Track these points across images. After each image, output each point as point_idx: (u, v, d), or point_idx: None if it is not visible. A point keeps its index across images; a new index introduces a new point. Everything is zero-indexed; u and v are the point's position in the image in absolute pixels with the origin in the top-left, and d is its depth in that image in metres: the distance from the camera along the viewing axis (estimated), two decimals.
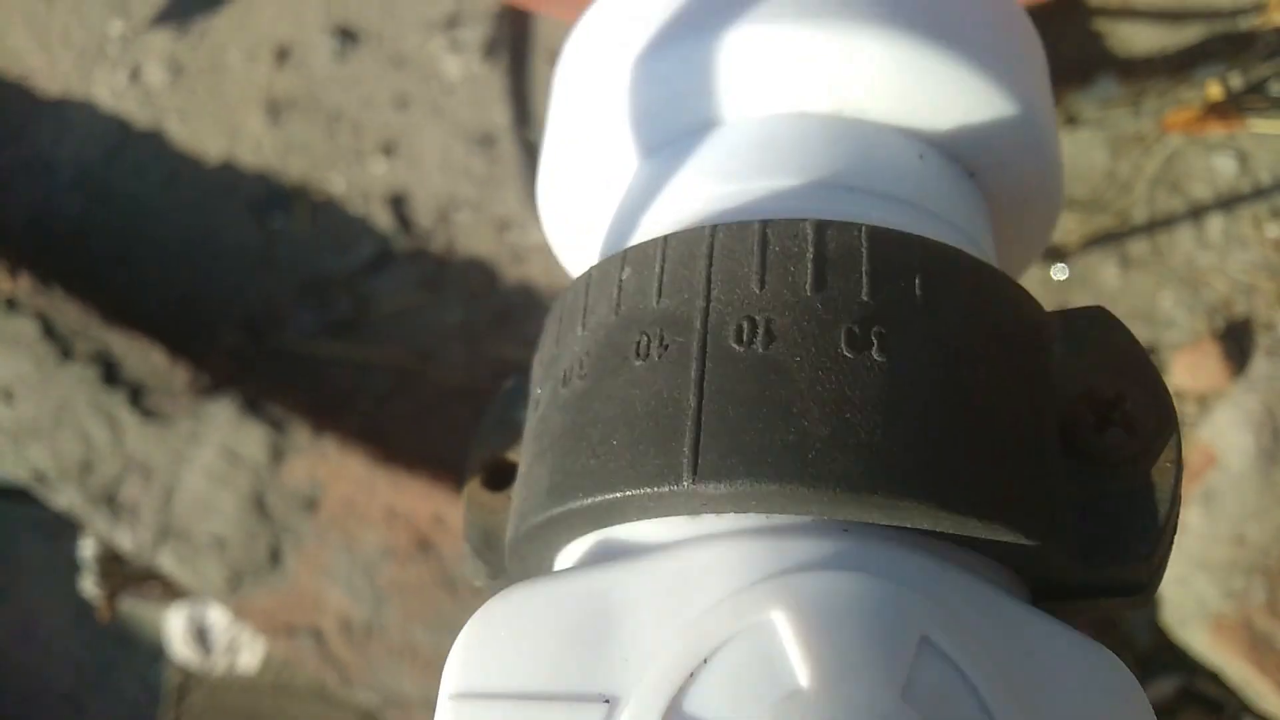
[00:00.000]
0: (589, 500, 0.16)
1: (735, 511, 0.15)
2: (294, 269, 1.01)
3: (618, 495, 0.16)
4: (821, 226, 0.16)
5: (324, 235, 1.01)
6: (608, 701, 0.13)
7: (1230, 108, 0.83)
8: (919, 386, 0.15)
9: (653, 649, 0.14)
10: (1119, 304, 0.85)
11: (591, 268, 0.19)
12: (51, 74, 1.12)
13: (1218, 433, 0.77)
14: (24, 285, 0.94)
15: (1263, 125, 0.82)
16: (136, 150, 1.08)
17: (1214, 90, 0.84)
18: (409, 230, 0.99)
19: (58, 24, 1.13)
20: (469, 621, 0.15)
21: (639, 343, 0.16)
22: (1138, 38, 0.86)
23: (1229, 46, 0.84)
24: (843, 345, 0.15)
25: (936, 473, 0.15)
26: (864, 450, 0.15)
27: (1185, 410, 0.82)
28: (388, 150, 1.01)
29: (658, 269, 0.17)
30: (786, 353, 0.15)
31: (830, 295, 0.16)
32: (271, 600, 0.86)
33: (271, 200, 1.03)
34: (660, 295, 0.17)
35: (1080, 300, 0.86)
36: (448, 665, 0.15)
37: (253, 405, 0.88)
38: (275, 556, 0.86)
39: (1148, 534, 0.16)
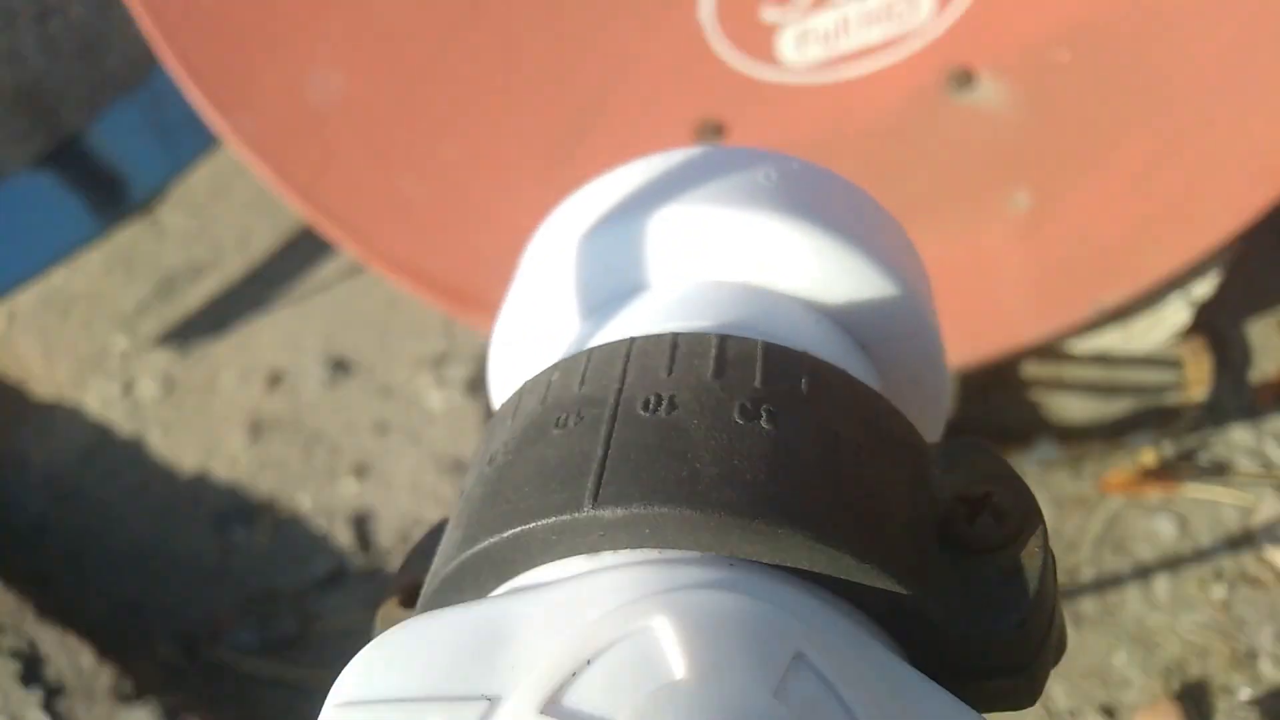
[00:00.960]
0: (495, 539, 0.19)
1: (630, 547, 0.18)
2: (244, 583, 1.10)
3: (521, 529, 0.18)
4: (724, 338, 0.21)
5: (281, 551, 1.12)
6: (489, 700, 0.15)
7: (1165, 473, 0.97)
8: (802, 453, 0.19)
9: (539, 656, 0.16)
10: (1074, 662, 0.92)
11: (526, 380, 0.23)
12: (48, 380, 1.29)
13: None
14: None
15: (1196, 490, 0.96)
16: (112, 457, 1.22)
17: (1148, 457, 0.98)
18: (367, 549, 1.09)
19: (66, 336, 1.32)
20: (365, 646, 0.17)
21: (559, 418, 0.20)
22: (1072, 407, 1.03)
23: (1158, 418, 1.00)
24: (735, 414, 0.19)
25: (816, 510, 0.18)
26: (749, 487, 0.18)
27: None
28: (360, 472, 1.15)
29: (581, 368, 0.22)
30: (685, 418, 0.19)
31: (728, 381, 0.20)
32: None
33: (236, 514, 1.15)
34: (582, 384, 0.21)
35: None
36: (337, 682, 0.17)
37: (172, 715, 0.93)
38: None
39: (1019, 605, 0.19)
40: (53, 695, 0.94)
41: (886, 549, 0.18)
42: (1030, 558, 0.19)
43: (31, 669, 0.96)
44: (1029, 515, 0.20)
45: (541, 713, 0.15)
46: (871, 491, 0.19)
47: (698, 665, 0.15)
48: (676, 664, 0.15)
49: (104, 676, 0.95)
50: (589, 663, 0.15)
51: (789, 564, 0.18)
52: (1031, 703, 0.20)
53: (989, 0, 0.67)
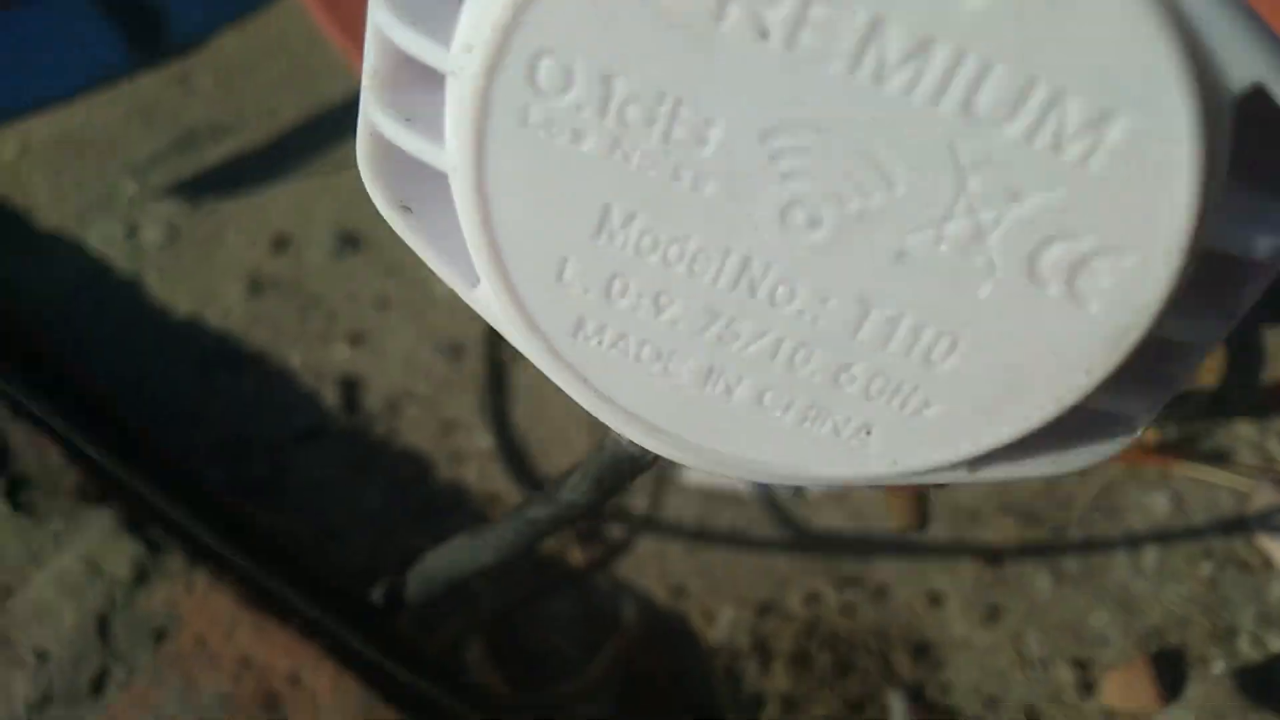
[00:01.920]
0: None
1: None
2: (222, 425, 1.09)
3: None
4: None
5: (264, 400, 1.11)
6: None
7: (1166, 451, 0.98)
8: None
9: None
10: (1051, 615, 0.92)
11: None
12: (52, 212, 1.28)
13: None
14: None
15: (1195, 471, 0.97)
16: (106, 293, 1.21)
17: (1150, 435, 0.99)
18: (352, 412, 1.08)
19: (77, 174, 1.32)
20: None
21: None
22: None
23: None
24: None
25: None
26: None
27: None
28: (355, 340, 1.14)
29: None
30: None
31: None
32: None
33: (222, 361, 1.14)
34: None
35: (1013, 605, 0.94)
36: None
37: (134, 522, 0.92)
38: (98, 686, 0.84)
39: None
40: (16, 485, 0.92)
41: None
42: None
43: None
44: None
45: None
46: None
47: None
48: None
49: (70, 476, 0.93)
50: None
51: None
52: None
53: None
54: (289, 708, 0.83)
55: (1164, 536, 0.95)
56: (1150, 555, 0.94)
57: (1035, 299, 0.13)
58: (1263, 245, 0.14)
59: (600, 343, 0.16)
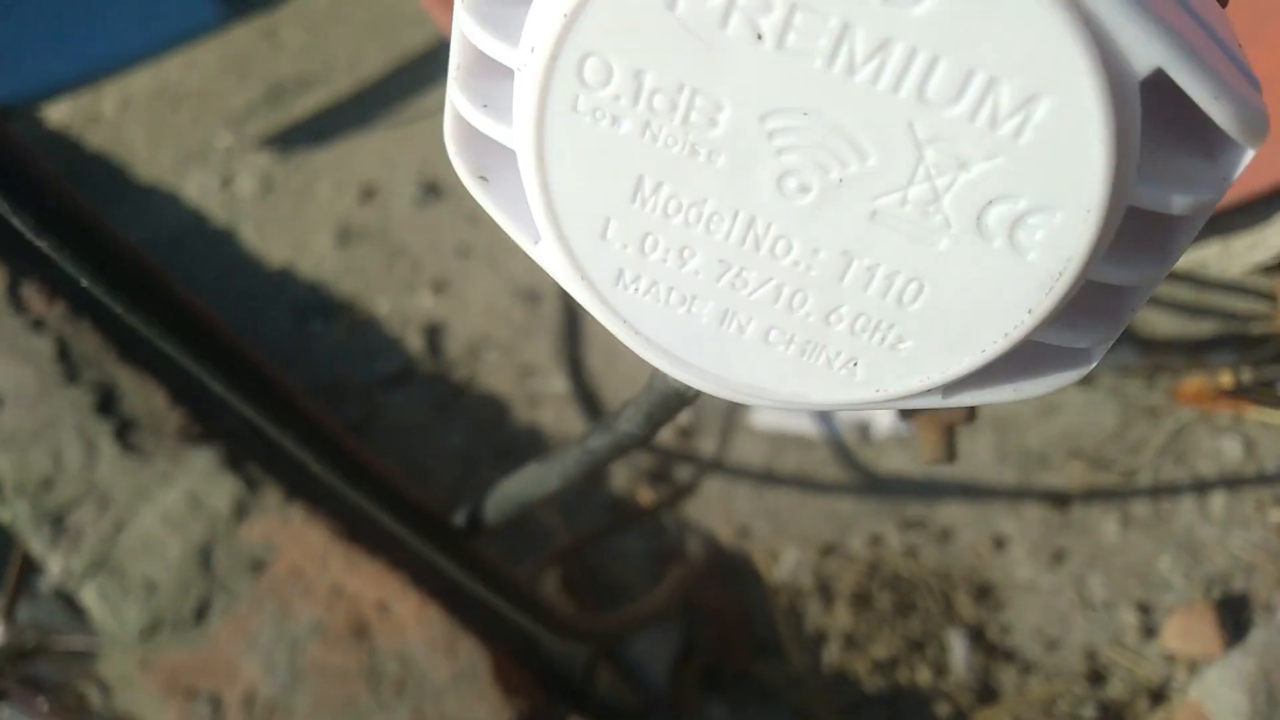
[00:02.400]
0: None
1: None
2: (317, 370, 1.16)
3: None
4: None
5: (355, 347, 1.17)
6: None
7: (1239, 395, 0.98)
8: None
9: None
10: (1116, 559, 0.94)
11: None
12: (151, 164, 1.36)
13: (1208, 693, 0.83)
14: (56, 311, 1.10)
15: (1269, 415, 0.97)
16: (204, 242, 1.28)
17: (1226, 378, 0.99)
18: (436, 356, 1.14)
19: (174, 127, 1.39)
20: None
21: None
22: (1159, 321, 1.04)
23: (1241, 343, 1.01)
24: None
25: None
26: None
27: (1175, 675, 0.88)
28: (438, 288, 1.20)
29: None
30: None
31: None
32: (182, 658, 0.90)
33: (315, 308, 1.21)
34: None
35: (1078, 549, 0.95)
36: None
37: (233, 460, 0.99)
38: (202, 613, 0.91)
39: None
40: (125, 427, 1.00)
41: None
42: None
43: (107, 402, 1.02)
44: None
45: None
46: None
47: None
48: None
49: (174, 418, 1.00)
50: None
51: None
52: None
53: None
54: (377, 633, 0.89)
55: (1233, 482, 0.95)
56: (1218, 500, 0.95)
57: (984, 250, 0.17)
58: (1179, 203, 0.16)
59: (637, 289, 0.20)
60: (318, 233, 1.25)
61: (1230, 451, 0.96)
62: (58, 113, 1.41)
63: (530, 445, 1.07)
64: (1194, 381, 0.98)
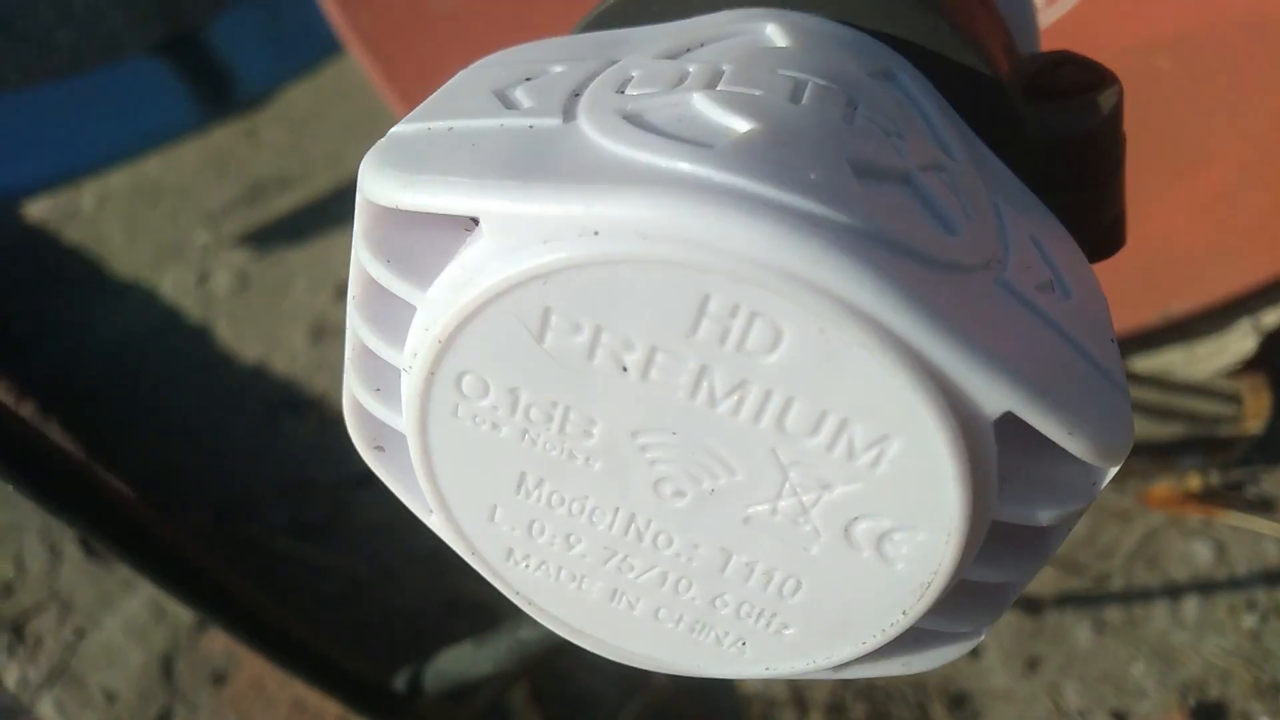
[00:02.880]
0: None
1: (754, 4, 0.19)
2: (286, 467, 1.15)
3: None
4: None
5: (325, 444, 1.17)
6: (611, 60, 0.18)
7: (1209, 499, 0.98)
8: None
9: (659, 37, 0.18)
10: (1090, 666, 0.94)
11: None
12: (128, 260, 1.36)
13: None
14: (25, 410, 1.10)
15: (1239, 519, 0.97)
16: (178, 339, 1.29)
17: (1194, 481, 0.99)
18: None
19: (151, 223, 1.40)
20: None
21: None
22: None
23: (1209, 446, 1.01)
24: None
25: None
26: None
27: None
28: None
29: None
30: None
31: None
32: None
33: (286, 405, 1.21)
34: None
35: (1052, 655, 0.95)
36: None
37: None
38: None
39: (1090, 118, 0.21)
40: None
41: (981, 37, 0.20)
42: (1106, 99, 0.22)
43: None
44: (1107, 76, 0.22)
45: (656, 57, 0.17)
46: (972, 14, 0.21)
47: (802, 44, 0.18)
48: (782, 41, 0.18)
49: None
50: (703, 44, 0.18)
51: (893, 31, 0.19)
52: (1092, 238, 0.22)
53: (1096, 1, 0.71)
54: None
55: (1205, 586, 0.95)
56: (1191, 606, 0.94)
57: (853, 558, 0.17)
58: (1045, 516, 0.17)
59: (527, 566, 0.20)
60: (292, 330, 1.26)
61: (1201, 555, 0.97)
62: (36, 207, 1.42)
63: None
64: (1163, 486, 0.98)
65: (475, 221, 0.17)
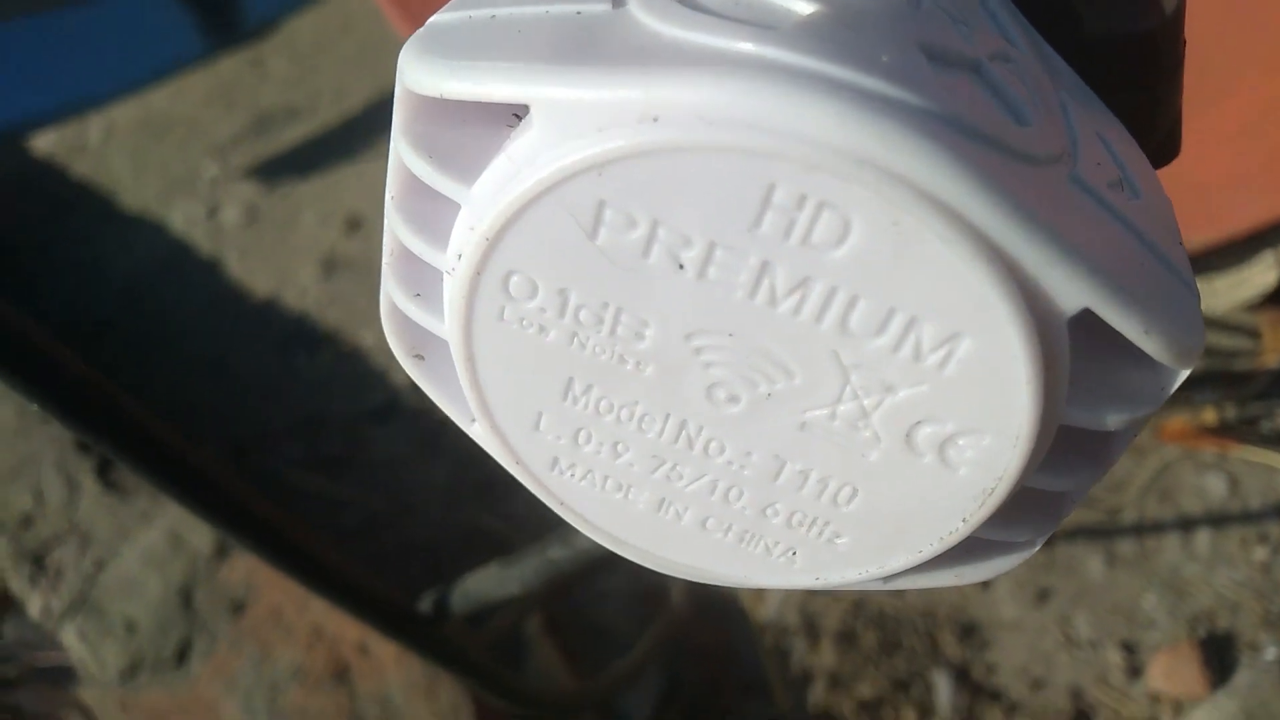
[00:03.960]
0: None
1: None
2: (299, 403, 1.15)
3: None
4: None
5: (339, 379, 1.17)
6: None
7: (1224, 432, 0.98)
8: None
9: None
10: (1101, 598, 0.94)
11: None
12: (136, 194, 1.35)
13: None
14: None
15: (1253, 454, 0.97)
16: (188, 272, 1.28)
17: (1210, 415, 0.99)
18: (420, 390, 1.14)
19: (159, 156, 1.38)
20: None
21: None
22: None
23: (1226, 380, 1.01)
24: None
25: None
26: None
27: (1160, 715, 0.88)
28: None
29: None
30: None
31: None
32: (162, 699, 0.90)
33: (300, 340, 1.20)
34: None
35: (1063, 587, 0.95)
36: None
37: None
38: (183, 654, 0.91)
39: (1155, 15, 0.20)
40: (106, 464, 1.00)
41: None
42: None
43: None
44: None
45: None
46: None
47: None
48: None
49: None
50: None
51: None
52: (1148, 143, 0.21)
53: None
54: (358, 675, 0.89)
55: (1218, 520, 0.95)
56: (1203, 538, 0.94)
57: (914, 464, 0.16)
58: (1113, 421, 0.16)
59: (573, 476, 0.19)
60: (303, 264, 1.25)
61: (1215, 489, 0.96)
62: (43, 142, 1.40)
63: (513, 483, 1.06)
64: (1178, 420, 0.98)
65: (521, 114, 0.16)
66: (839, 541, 0.18)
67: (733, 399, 0.17)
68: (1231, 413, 0.99)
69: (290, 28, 1.45)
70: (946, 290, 0.14)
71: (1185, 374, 0.16)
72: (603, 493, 0.19)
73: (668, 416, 0.17)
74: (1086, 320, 0.15)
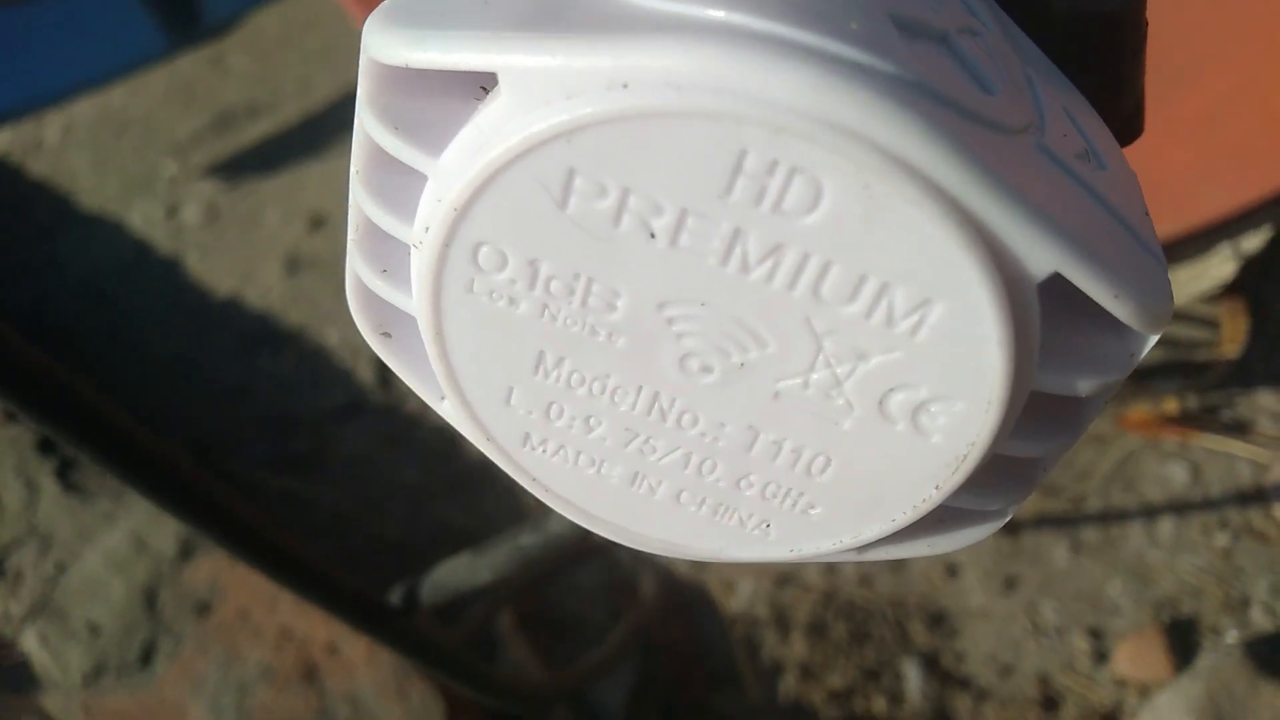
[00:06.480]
0: None
1: None
2: (266, 402, 1.14)
3: None
4: None
5: (304, 378, 1.15)
6: None
7: (1185, 422, 0.99)
8: None
9: None
10: (1067, 585, 0.95)
11: None
12: (95, 193, 1.33)
13: (1159, 718, 0.84)
14: None
15: (1214, 442, 0.98)
16: (148, 273, 1.26)
17: (1171, 405, 1.00)
18: (387, 387, 1.13)
19: (118, 154, 1.36)
20: None
21: None
22: None
23: (1186, 370, 1.02)
24: None
25: None
26: None
27: (1126, 700, 0.89)
28: None
29: None
30: None
31: None
32: (127, 703, 0.88)
33: (263, 339, 1.19)
34: None
35: (1029, 575, 0.96)
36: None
37: None
38: (147, 657, 0.90)
39: None
40: (67, 466, 0.98)
41: None
42: None
43: (48, 440, 1.00)
44: None
45: None
46: None
47: None
48: None
49: None
50: None
51: None
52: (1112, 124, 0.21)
53: None
54: (327, 676, 0.88)
55: (1180, 507, 0.97)
56: (1166, 525, 0.96)
57: (887, 432, 0.16)
58: (1084, 386, 0.16)
59: (544, 451, 0.19)
60: (265, 262, 1.24)
61: (1177, 477, 0.98)
62: None
63: (483, 479, 1.06)
64: (1140, 409, 0.99)
65: (488, 86, 0.16)
66: (813, 512, 0.18)
67: (706, 369, 0.17)
68: (1192, 402, 1.01)
69: (253, 24, 1.43)
70: (918, 255, 0.14)
71: (1154, 339, 0.17)
72: (575, 468, 0.19)
73: (640, 389, 0.17)
74: (1057, 286, 0.15)
